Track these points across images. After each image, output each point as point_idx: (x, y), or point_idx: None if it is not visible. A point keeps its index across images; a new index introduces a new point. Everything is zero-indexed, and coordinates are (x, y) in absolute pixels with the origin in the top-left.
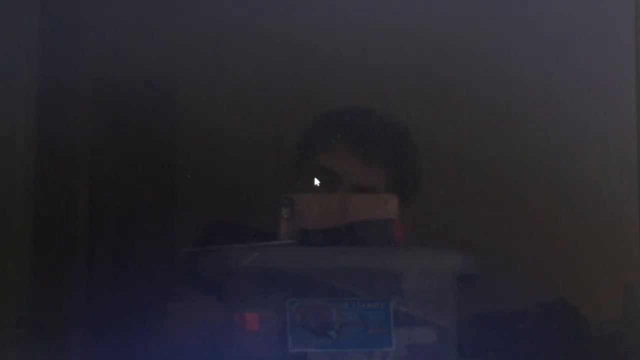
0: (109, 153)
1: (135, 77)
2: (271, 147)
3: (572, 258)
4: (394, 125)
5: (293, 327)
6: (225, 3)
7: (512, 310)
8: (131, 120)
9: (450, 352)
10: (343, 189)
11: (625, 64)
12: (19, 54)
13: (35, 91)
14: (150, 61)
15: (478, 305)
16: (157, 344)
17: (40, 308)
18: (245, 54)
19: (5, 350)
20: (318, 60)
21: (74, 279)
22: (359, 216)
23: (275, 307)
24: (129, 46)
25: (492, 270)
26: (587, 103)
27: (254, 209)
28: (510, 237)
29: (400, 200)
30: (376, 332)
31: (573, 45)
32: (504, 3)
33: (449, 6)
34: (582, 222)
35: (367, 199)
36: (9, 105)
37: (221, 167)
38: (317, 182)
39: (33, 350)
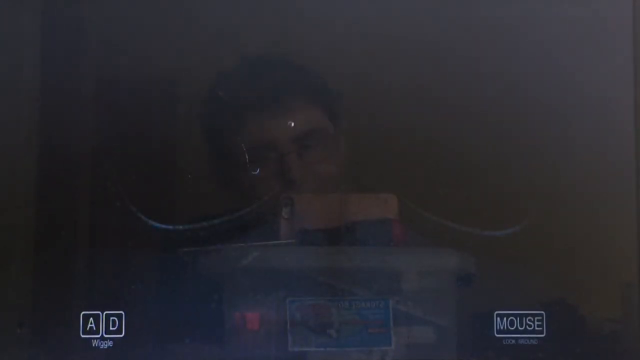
0: (110, 153)
1: (137, 77)
2: None
3: (571, 258)
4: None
5: (293, 326)
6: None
7: (512, 310)
8: (133, 120)
9: (450, 351)
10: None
11: (624, 64)
12: (19, 53)
13: (36, 91)
14: (152, 61)
15: (478, 304)
16: (156, 344)
17: (40, 308)
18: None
19: (5, 350)
20: None
21: (75, 279)
22: (359, 216)
23: (275, 307)
24: (130, 46)
25: (491, 271)
26: (586, 103)
27: (254, 209)
28: (509, 237)
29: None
30: (376, 331)
31: (572, 45)
32: (502, 2)
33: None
34: (582, 222)
35: (367, 199)
36: (10, 105)
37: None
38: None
39: (33, 351)
